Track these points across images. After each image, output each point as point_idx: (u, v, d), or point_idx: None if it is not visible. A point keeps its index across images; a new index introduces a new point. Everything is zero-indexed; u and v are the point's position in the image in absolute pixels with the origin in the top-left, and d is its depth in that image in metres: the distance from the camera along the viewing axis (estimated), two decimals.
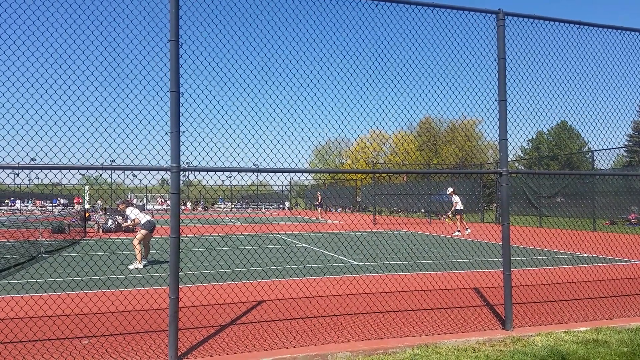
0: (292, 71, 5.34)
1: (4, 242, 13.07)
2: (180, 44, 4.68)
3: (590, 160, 22.32)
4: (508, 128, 5.75)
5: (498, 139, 5.82)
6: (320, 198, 35.62)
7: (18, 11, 4.46)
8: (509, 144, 5.76)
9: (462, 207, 19.11)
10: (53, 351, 4.82)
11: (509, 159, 5.82)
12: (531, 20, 6.01)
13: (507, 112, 5.75)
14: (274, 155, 5.10)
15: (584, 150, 36.55)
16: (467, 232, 18.54)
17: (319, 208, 35.22)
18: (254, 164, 5.11)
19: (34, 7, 4.50)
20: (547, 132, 47.37)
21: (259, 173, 5.07)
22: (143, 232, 10.61)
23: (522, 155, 48.28)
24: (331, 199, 46.86)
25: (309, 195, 54.19)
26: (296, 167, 5.21)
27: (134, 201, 40.74)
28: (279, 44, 5.30)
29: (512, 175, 6.72)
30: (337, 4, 5.35)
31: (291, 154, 5.24)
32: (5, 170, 4.47)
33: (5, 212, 41.15)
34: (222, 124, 5.07)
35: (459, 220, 19.07)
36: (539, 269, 9.82)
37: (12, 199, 48.71)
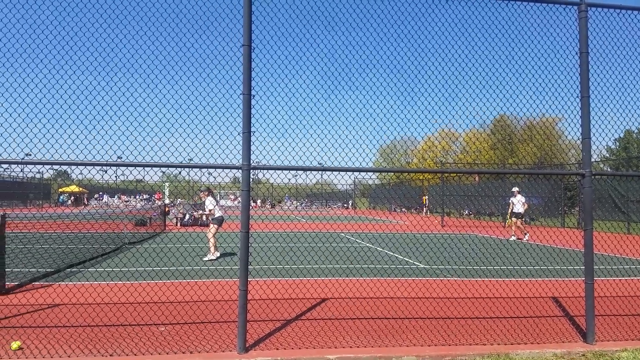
0: (358, 70, 5.35)
1: (92, 233, 14.22)
2: (252, 48, 4.85)
3: None
4: (592, 126, 5.39)
5: (580, 137, 5.46)
6: (426, 200, 35.21)
7: (108, 21, 4.84)
8: (592, 143, 5.41)
9: (521, 210, 17.83)
10: (133, 336, 5.18)
11: (592, 160, 5.44)
12: (616, 10, 5.57)
13: (591, 109, 5.38)
14: (338, 155, 5.15)
15: None
16: (512, 238, 17.46)
17: (425, 209, 34.97)
18: (319, 163, 5.18)
19: (118, 21, 4.86)
20: (636, 130, 43.51)
21: (324, 172, 5.13)
22: (215, 226, 11.15)
23: (607, 155, 44.75)
24: (396, 200, 46.15)
25: (372, 194, 53.69)
26: (360, 167, 5.21)
27: (218, 196, 42.61)
28: (346, 44, 5.32)
29: (597, 177, 6.25)
30: (406, 1, 5.28)
31: (355, 153, 5.25)
32: (95, 167, 4.88)
33: (94, 206, 44.78)
34: (289, 124, 5.19)
35: (518, 223, 17.84)
36: (625, 280, 9.07)
37: (100, 193, 52.82)
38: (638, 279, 9.15)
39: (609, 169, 29.95)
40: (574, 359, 4.83)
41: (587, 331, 5.28)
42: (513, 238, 17.71)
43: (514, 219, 17.91)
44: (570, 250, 13.53)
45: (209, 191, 11.87)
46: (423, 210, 35.30)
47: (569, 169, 24.72)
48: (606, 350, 5.01)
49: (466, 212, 35.81)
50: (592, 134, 5.40)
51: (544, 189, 27.28)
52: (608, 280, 8.98)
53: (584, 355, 4.93)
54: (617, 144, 47.32)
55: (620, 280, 9.04)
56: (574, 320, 6.12)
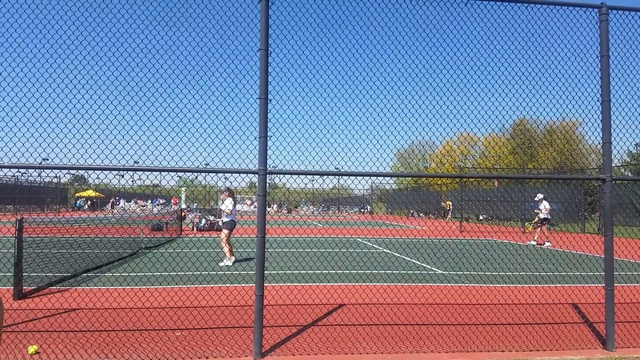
0: (375, 74, 5.32)
1: (109, 238, 14.37)
2: (269, 52, 4.85)
3: None
4: (612, 130, 5.31)
5: (601, 142, 5.36)
6: (450, 205, 35.01)
7: (125, 25, 4.90)
8: (613, 147, 5.31)
9: (547, 216, 17.67)
10: (149, 341, 5.20)
11: (613, 164, 5.33)
12: (638, 13, 5.46)
13: (612, 113, 5.29)
14: (355, 159, 5.11)
15: None
16: (531, 242, 17.25)
17: (449, 214, 34.75)
18: (336, 168, 5.15)
19: (135, 26, 4.91)
20: None
21: (340, 176, 5.09)
22: (226, 231, 11.14)
23: (629, 160, 43.83)
24: (414, 205, 45.78)
25: (390, 199, 53.39)
26: (377, 171, 5.17)
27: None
28: (363, 47, 5.30)
29: (617, 182, 6.13)
30: (425, 3, 5.24)
31: (372, 157, 5.21)
32: (112, 171, 4.92)
33: (121, 210, 45.34)
34: (305, 128, 5.18)
35: (542, 229, 17.65)
36: None
37: (117, 198, 53.46)
38: None
39: (629, 174, 29.33)
40: None
41: (606, 338, 5.18)
42: (533, 243, 17.49)
43: (537, 225, 17.82)
44: (590, 256, 13.25)
45: (230, 192, 11.67)
46: (447, 216, 35.11)
47: (590, 173, 24.28)
48: (626, 357, 4.90)
49: (480, 217, 35.45)
50: (612, 138, 5.31)
51: (564, 194, 26.84)
52: (629, 286, 8.77)
53: None
54: (638, 148, 46.33)
55: None
56: (593, 326, 5.98)
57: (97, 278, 9.13)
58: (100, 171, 4.86)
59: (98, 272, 9.86)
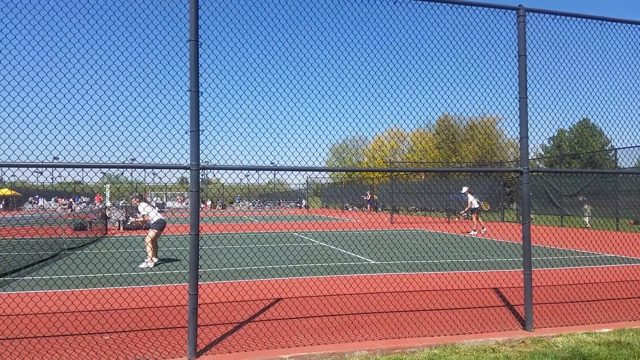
0: (309, 69, 5.35)
1: (28, 239, 13.39)
2: (199, 43, 4.73)
3: (614, 158, 21.84)
4: (529, 126, 5.68)
5: (518, 136, 5.74)
6: (370, 196, 35.40)
7: (51, 12, 4.56)
8: (529, 141, 5.68)
9: (477, 206, 19.00)
10: (75, 346, 4.92)
11: (529, 157, 5.74)
12: (552, 16, 5.91)
13: (528, 109, 5.67)
14: (291, 154, 5.12)
15: (607, 148, 35.74)
16: (483, 231, 18.38)
17: (369, 205, 35.18)
18: (271, 163, 5.13)
19: (57, 8, 4.59)
20: (568, 129, 46.45)
21: (276, 171, 5.09)
22: (153, 231, 10.52)
23: (543, 153, 47.45)
24: (348, 198, 46.77)
25: (325, 193, 54.10)
26: (313, 166, 5.21)
27: (155, 199, 41.24)
28: (296, 42, 5.31)
29: (533, 173, 6.59)
30: (356, 1, 5.34)
31: (308, 152, 5.25)
32: (29, 168, 4.58)
33: (29, 210, 42.17)
34: (240, 122, 5.11)
35: (475, 219, 18.97)
36: (560, 269, 9.65)
37: (35, 197, 49.80)
38: (572, 269, 9.77)
39: (543, 166, 31.74)
40: (515, 346, 5.08)
41: (526, 319, 5.56)
42: (474, 233, 18.49)
43: (473, 215, 18.99)
44: (510, 243, 14.22)
45: (141, 197, 11.17)
46: (368, 207, 36.01)
47: (508, 166, 25.99)
48: (543, 337, 5.31)
49: (406, 208, 36.91)
50: (529, 133, 5.69)
51: (485, 186, 28.57)
52: (545, 270, 9.52)
53: (523, 341, 5.20)
54: (551, 142, 50.27)
55: (556, 270, 9.60)
56: (514, 309, 6.43)
57: (16, 282, 8.49)
58: (16, 168, 4.50)
59: (16, 275, 9.17)
